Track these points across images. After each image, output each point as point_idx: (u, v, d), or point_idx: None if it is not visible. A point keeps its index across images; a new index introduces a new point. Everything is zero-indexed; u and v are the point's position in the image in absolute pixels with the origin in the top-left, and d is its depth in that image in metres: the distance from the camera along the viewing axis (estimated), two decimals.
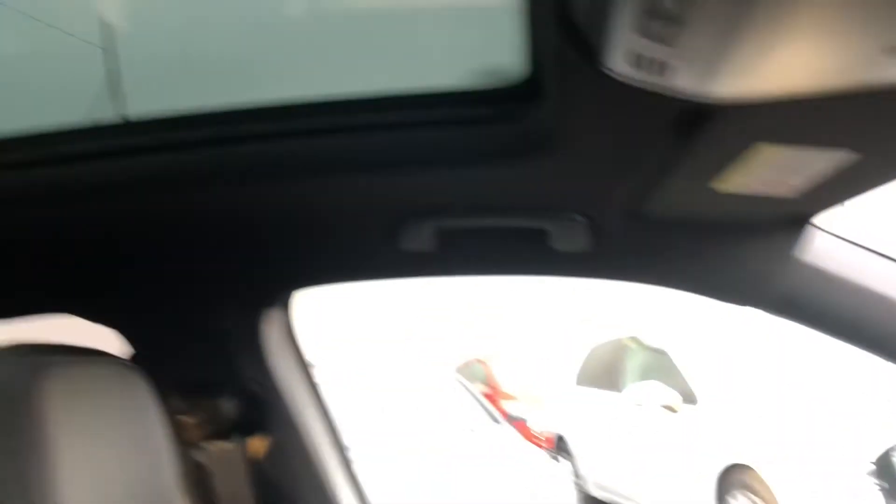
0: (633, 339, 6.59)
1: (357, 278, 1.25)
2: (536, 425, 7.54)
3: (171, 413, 1.08)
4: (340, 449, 1.32)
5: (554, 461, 5.67)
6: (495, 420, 5.66)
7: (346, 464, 1.32)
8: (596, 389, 6.80)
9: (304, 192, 1.02)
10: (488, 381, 9.73)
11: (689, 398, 5.32)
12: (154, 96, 1.12)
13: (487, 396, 7.08)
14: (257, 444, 1.23)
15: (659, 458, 5.49)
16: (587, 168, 0.92)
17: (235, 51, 1.16)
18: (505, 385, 9.74)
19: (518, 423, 6.09)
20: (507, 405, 6.72)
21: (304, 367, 1.30)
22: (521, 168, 0.93)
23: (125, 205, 1.03)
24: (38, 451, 0.73)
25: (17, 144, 1.00)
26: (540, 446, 6.31)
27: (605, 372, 6.81)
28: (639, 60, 0.55)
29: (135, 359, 1.19)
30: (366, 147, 0.96)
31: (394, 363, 6.59)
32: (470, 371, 10.02)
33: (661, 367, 5.81)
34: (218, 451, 1.21)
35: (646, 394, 5.64)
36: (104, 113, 1.06)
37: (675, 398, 5.41)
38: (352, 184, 1.00)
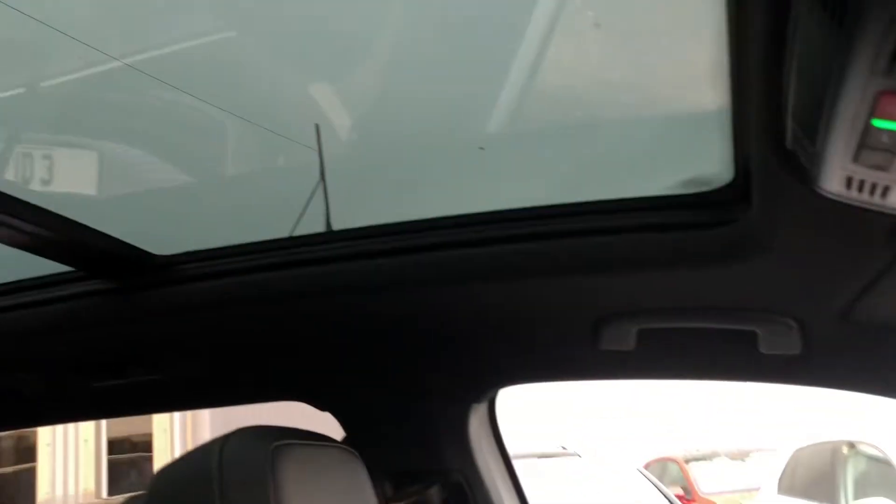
0: (850, 444, 6.02)
1: (559, 378, 1.28)
2: None
3: (382, 498, 1.15)
4: None
5: None
6: None
7: None
8: (801, 500, 6.25)
9: (510, 294, 1.08)
10: (683, 483, 9.23)
11: None
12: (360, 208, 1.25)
13: (681, 499, 6.71)
14: None
15: None
16: (799, 273, 0.92)
17: (447, 163, 1.26)
18: (702, 488, 9.20)
19: None
20: None
21: (507, 461, 1.34)
22: (728, 271, 0.94)
23: (343, 305, 1.14)
24: None
25: (243, 252, 1.15)
26: None
27: (813, 480, 6.25)
28: (856, 184, 0.56)
29: (350, 443, 1.28)
30: (572, 250, 1.01)
31: (582, 461, 6.46)
32: (663, 470, 9.57)
33: (886, 480, 5.24)
34: None
35: None
36: (315, 225, 1.20)
37: None
38: (557, 286, 1.05)
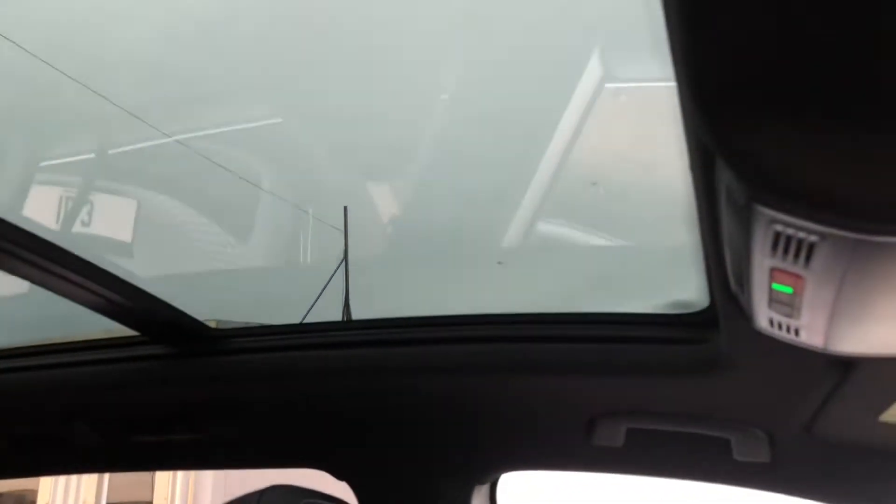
0: None
1: (555, 467, 1.41)
2: None
3: None
4: None
5: None
6: None
7: None
8: None
9: (513, 388, 1.23)
10: None
11: None
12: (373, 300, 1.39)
13: None
14: None
15: None
16: (763, 389, 1.06)
17: (465, 265, 1.43)
18: None
19: None
20: None
21: None
22: (703, 383, 1.09)
23: (361, 387, 1.29)
24: None
25: (280, 332, 1.31)
26: None
27: None
28: (776, 324, 0.72)
29: None
30: (571, 354, 1.16)
31: None
32: None
33: None
34: None
35: None
36: (335, 313, 1.35)
37: None
38: (555, 384, 1.20)
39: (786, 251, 0.57)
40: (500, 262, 1.29)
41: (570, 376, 1.18)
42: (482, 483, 1.41)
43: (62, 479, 10.19)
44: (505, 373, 1.20)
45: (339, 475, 1.44)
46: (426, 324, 1.26)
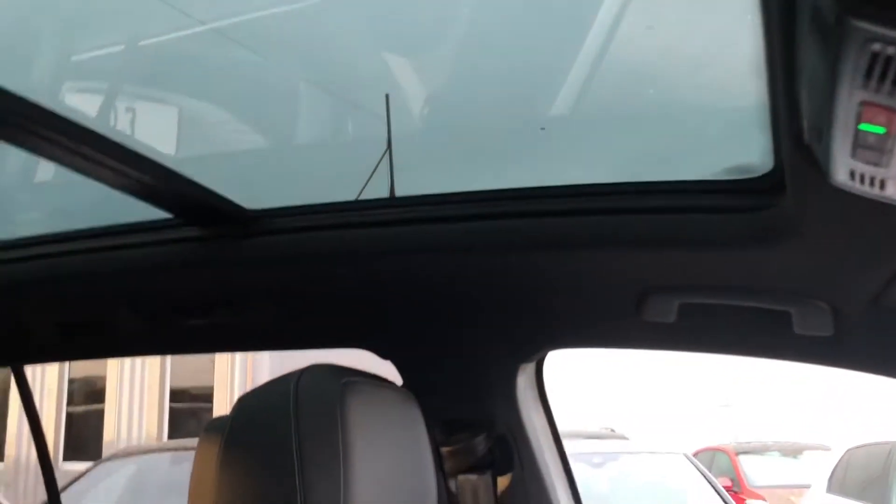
0: None
1: (603, 345, 1.38)
2: None
3: (433, 442, 1.26)
4: (576, 495, 1.43)
5: None
6: None
7: None
8: (851, 500, 6.18)
9: (561, 263, 1.18)
10: (732, 475, 9.19)
11: None
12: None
13: (729, 490, 6.70)
14: (503, 482, 1.38)
15: None
16: (830, 259, 0.99)
17: (512, 140, 1.36)
18: (751, 481, 9.15)
19: None
20: (749, 502, 6.32)
21: (550, 417, 1.44)
22: (765, 254, 1.02)
23: (406, 265, 1.25)
24: (345, 452, 0.92)
25: (320, 210, 1.26)
26: None
27: (865, 480, 6.18)
28: (858, 176, 0.64)
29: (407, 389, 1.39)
30: (623, 226, 1.10)
31: (629, 444, 6.50)
32: (711, 460, 9.53)
33: None
34: (468, 484, 1.37)
35: None
36: (380, 190, 1.30)
37: None
38: (606, 258, 1.14)
39: (882, 78, 0.48)
40: (542, 129, 1.21)
41: (621, 250, 1.12)
42: (527, 361, 1.38)
43: (127, 367, 10.71)
44: (552, 247, 1.15)
45: (382, 354, 1.43)
46: (470, 199, 1.20)
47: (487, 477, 1.37)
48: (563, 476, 1.43)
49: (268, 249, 1.28)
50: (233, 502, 0.91)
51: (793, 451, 10.12)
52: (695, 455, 8.20)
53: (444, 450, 1.37)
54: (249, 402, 0.98)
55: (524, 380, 1.39)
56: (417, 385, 1.22)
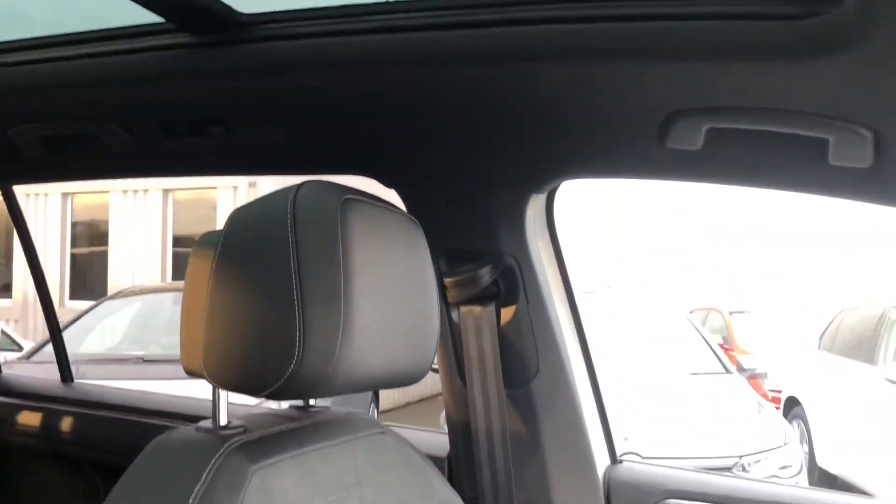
0: None
1: (622, 174, 1.30)
2: (770, 383, 7.21)
3: (438, 272, 1.21)
4: (581, 328, 1.41)
5: (785, 421, 5.39)
6: (726, 369, 5.49)
7: (584, 339, 1.41)
8: (841, 358, 6.34)
9: (577, 79, 1.07)
10: (725, 334, 9.41)
11: None
12: None
13: (721, 347, 6.85)
14: (507, 314, 1.34)
15: None
16: (880, 78, 0.89)
17: None
18: (743, 341, 9.39)
19: (751, 378, 5.84)
20: (741, 358, 6.46)
21: (559, 251, 1.39)
22: (807, 68, 0.91)
23: (413, 77, 1.14)
24: (345, 268, 0.86)
25: (321, 16, 1.14)
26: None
27: (854, 341, 6.31)
28: None
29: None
30: (649, 34, 0.98)
31: (627, 299, 6.60)
32: (705, 319, 9.73)
33: None
34: (471, 315, 1.33)
35: None
36: None
37: None
38: (628, 72, 1.03)
39: None
40: None
41: (645, 62, 1.00)
42: (539, 192, 1.31)
43: (129, 211, 10.73)
44: (565, 61, 1.04)
45: (387, 182, 1.36)
46: (478, 4, 1.07)
47: (491, 308, 1.33)
48: (568, 309, 1.39)
49: (261, 58, 1.17)
50: (227, 316, 0.87)
51: (783, 313, 10.33)
52: (694, 313, 8.37)
53: (448, 280, 1.33)
54: (244, 215, 0.92)
55: (534, 211, 1.32)
56: (422, 214, 1.16)
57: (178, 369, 0.97)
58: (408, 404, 9.64)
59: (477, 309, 1.33)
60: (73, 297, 10.71)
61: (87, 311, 5.92)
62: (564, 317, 1.38)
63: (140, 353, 5.07)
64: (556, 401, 1.35)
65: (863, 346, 6.13)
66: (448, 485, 1.16)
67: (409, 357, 0.97)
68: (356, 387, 0.93)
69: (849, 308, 6.74)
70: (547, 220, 1.38)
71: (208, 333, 0.87)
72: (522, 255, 1.32)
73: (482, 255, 1.32)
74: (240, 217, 0.91)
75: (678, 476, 1.39)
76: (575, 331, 1.41)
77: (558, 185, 1.33)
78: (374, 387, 0.97)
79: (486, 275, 1.31)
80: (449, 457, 1.46)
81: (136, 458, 0.87)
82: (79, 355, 4.64)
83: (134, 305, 6.13)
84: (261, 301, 0.85)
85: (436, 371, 1.39)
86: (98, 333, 5.79)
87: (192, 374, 0.92)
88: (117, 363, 4.82)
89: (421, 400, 9.82)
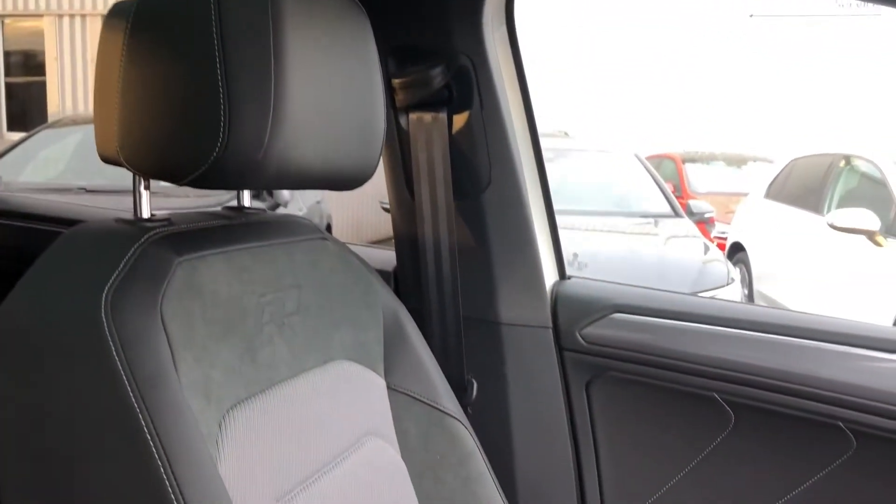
0: (846, 158, 6.06)
1: None
2: (717, 229, 7.37)
3: (385, 74, 1.11)
4: (536, 137, 1.34)
5: (729, 264, 5.53)
6: (676, 213, 5.56)
7: (538, 150, 1.34)
8: (788, 206, 6.45)
9: None
10: (676, 181, 9.50)
11: None
12: None
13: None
14: (459, 120, 1.26)
15: (844, 290, 5.20)
16: None
17: None
18: (694, 188, 9.51)
19: (699, 223, 5.94)
20: (691, 203, 6.54)
21: (517, 51, 1.30)
22: None
23: None
24: (277, 54, 0.76)
25: None
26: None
27: (803, 189, 6.41)
28: None
29: None
30: None
31: (582, 143, 6.55)
32: (658, 166, 9.79)
33: (873, 196, 5.33)
34: (421, 121, 1.25)
35: (849, 221, 5.16)
36: None
37: (882, 230, 4.98)
38: None
39: None
40: None
41: None
42: None
43: (66, 41, 10.18)
44: None
45: None
46: None
47: (443, 115, 1.25)
48: (523, 117, 1.32)
49: None
50: (143, 95, 0.78)
51: (737, 161, 10.43)
52: (647, 158, 8.38)
53: (397, 81, 1.24)
54: None
55: (492, 6, 1.22)
56: (370, 6, 1.05)
57: (125, 199, 0.90)
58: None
59: (427, 116, 1.25)
60: (11, 127, 10.28)
61: (24, 139, 5.68)
62: (520, 125, 1.31)
63: (83, 183, 4.91)
64: (506, 214, 1.30)
65: (810, 195, 6.23)
66: (393, 294, 1.12)
67: (350, 158, 0.90)
68: (291, 181, 0.86)
69: (801, 156, 6.77)
70: (507, 18, 1.28)
71: (123, 115, 0.78)
72: (478, 55, 1.23)
73: (434, 55, 1.22)
74: None
75: (626, 291, 1.38)
76: (530, 141, 1.34)
77: None
78: (310, 185, 0.89)
79: (437, 76, 1.21)
80: (395, 271, 1.43)
81: (46, 250, 0.79)
82: (17, 184, 4.48)
83: (76, 136, 5.88)
84: (180, 77, 0.76)
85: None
86: (39, 163, 5.58)
87: (108, 160, 0.83)
88: (57, 193, 4.66)
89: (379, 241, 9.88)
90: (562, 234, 1.38)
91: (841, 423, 1.18)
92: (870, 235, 5.05)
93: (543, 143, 1.37)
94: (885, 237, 4.98)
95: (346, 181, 0.92)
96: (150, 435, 0.67)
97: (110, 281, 0.74)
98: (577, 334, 1.32)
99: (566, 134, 8.02)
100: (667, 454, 1.30)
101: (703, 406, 1.26)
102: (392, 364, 1.06)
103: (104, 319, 0.70)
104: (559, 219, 1.39)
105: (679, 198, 8.06)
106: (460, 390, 1.27)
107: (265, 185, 0.84)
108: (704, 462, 1.28)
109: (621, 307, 1.33)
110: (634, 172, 5.88)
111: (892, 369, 1.18)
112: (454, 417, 1.07)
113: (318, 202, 6.27)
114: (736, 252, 7.05)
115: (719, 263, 4.92)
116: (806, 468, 1.22)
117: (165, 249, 0.79)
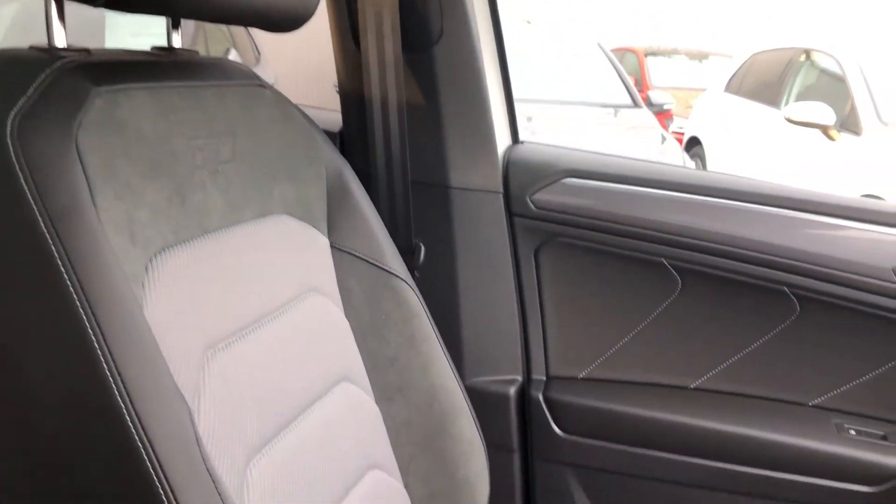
0: (807, 53, 6.02)
1: None
2: (675, 124, 7.36)
3: None
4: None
5: (686, 155, 5.53)
6: (635, 103, 5.51)
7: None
8: (747, 100, 6.44)
9: None
10: (637, 74, 9.41)
11: (854, 127, 4.92)
12: None
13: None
14: None
15: (797, 183, 5.24)
16: None
17: None
18: (655, 81, 9.43)
19: (658, 114, 5.90)
20: (651, 94, 6.48)
21: None
22: None
23: None
24: None
25: None
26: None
27: (762, 83, 6.38)
28: None
29: None
30: None
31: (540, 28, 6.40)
32: (620, 60, 9.65)
33: (831, 91, 5.33)
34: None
35: (805, 114, 5.16)
36: None
37: (837, 125, 4.99)
38: None
39: None
40: None
41: None
42: None
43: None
44: None
45: None
46: None
47: None
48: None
49: None
50: None
51: (699, 56, 10.34)
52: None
53: None
54: None
55: None
56: None
57: None
58: None
59: None
60: None
61: None
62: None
63: None
64: (459, 70, 1.24)
65: (769, 90, 6.21)
66: (338, 152, 1.07)
67: None
68: (216, 11, 0.79)
69: (761, 50, 6.71)
70: None
71: None
72: None
73: None
74: None
75: (578, 156, 1.34)
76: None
77: None
78: (239, 19, 0.82)
79: None
80: (341, 132, 1.37)
81: None
82: None
83: (12, 6, 5.54)
84: None
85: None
86: None
87: None
88: None
89: None
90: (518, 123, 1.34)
91: (786, 288, 1.19)
92: (824, 129, 5.07)
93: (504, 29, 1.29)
94: (839, 131, 5.01)
95: (281, 20, 0.85)
96: (62, 264, 0.63)
97: (18, 106, 0.67)
98: (528, 199, 1.30)
99: (528, 22, 7.82)
100: (614, 319, 1.30)
101: (650, 271, 1.26)
102: (335, 223, 1.02)
103: (9, 143, 0.65)
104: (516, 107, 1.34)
105: (640, 91, 8.01)
106: (407, 254, 1.24)
107: (187, 11, 0.77)
108: (651, 326, 1.28)
109: (573, 171, 1.29)
110: (596, 61, 5.78)
111: (836, 235, 1.18)
112: (400, 278, 1.05)
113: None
114: (693, 146, 7.06)
115: (675, 155, 4.91)
116: (751, 333, 1.23)
117: (81, 78, 0.73)
